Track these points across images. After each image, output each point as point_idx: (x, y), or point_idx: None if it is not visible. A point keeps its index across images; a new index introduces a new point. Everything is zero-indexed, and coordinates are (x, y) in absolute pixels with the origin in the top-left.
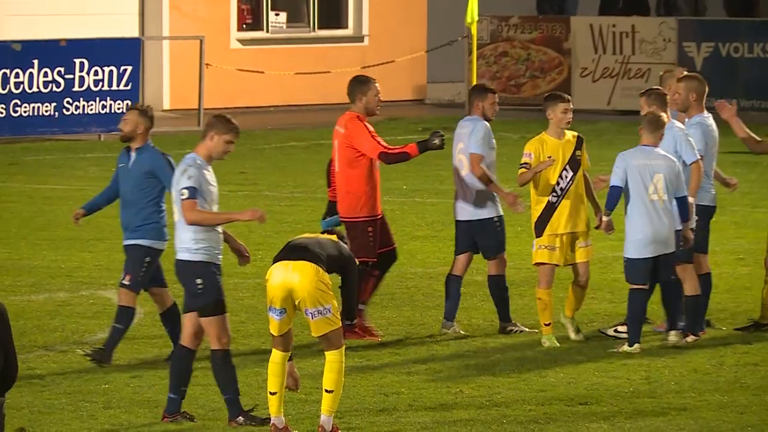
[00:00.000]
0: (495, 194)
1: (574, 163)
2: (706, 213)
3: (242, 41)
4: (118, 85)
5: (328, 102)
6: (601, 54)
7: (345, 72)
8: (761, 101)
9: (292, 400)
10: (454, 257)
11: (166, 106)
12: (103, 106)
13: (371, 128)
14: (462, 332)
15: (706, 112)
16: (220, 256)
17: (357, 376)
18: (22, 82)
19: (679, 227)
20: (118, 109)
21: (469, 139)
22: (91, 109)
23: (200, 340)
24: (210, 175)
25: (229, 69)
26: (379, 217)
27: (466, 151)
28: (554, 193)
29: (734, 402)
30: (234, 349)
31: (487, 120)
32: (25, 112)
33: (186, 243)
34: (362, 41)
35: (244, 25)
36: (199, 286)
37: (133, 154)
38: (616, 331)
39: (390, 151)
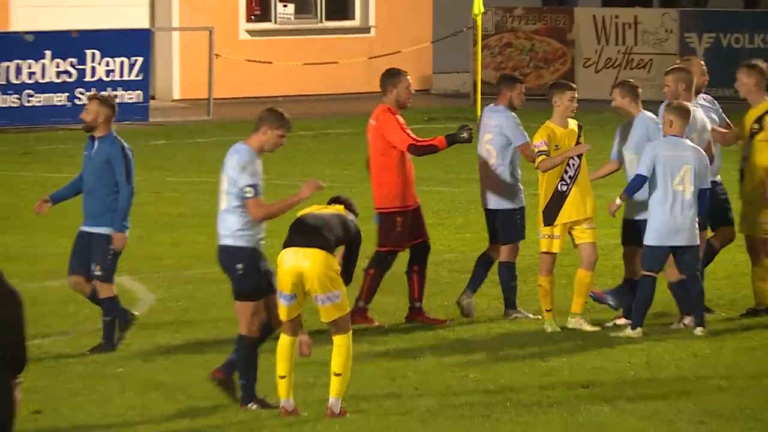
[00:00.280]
0: (519, 186)
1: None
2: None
3: (251, 32)
4: (129, 76)
5: (336, 92)
6: (604, 45)
7: (352, 62)
8: None
9: (301, 385)
10: (489, 244)
11: (176, 96)
12: (115, 97)
13: (402, 120)
14: (531, 315)
15: (694, 101)
16: (262, 242)
17: (364, 360)
18: (35, 73)
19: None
20: (130, 99)
21: (501, 134)
22: None
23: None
24: (260, 166)
25: (238, 60)
26: (411, 208)
27: (497, 143)
28: (563, 182)
29: (733, 385)
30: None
31: (513, 109)
32: (38, 102)
33: (231, 229)
34: (369, 32)
35: (253, 17)
36: (239, 271)
37: (96, 143)
38: (615, 325)
39: (419, 144)
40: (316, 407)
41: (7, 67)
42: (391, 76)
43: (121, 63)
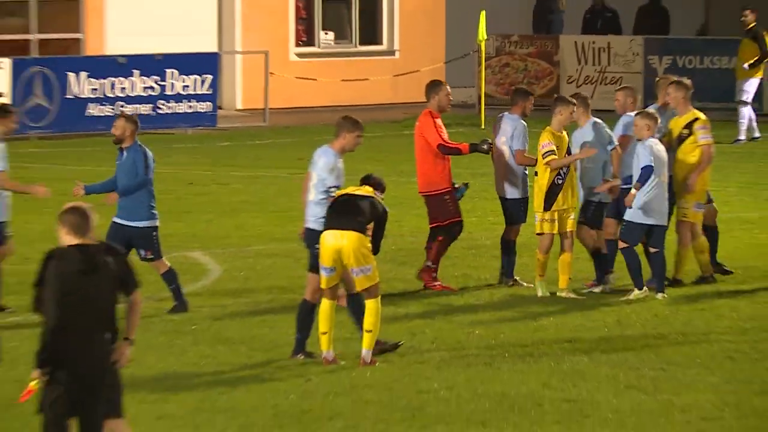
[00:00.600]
0: (526, 179)
1: (569, 151)
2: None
3: (299, 55)
4: (201, 90)
5: (367, 103)
6: (583, 65)
7: (380, 79)
8: (708, 103)
9: (339, 339)
10: (506, 227)
11: (239, 106)
12: (189, 107)
13: (439, 123)
14: (525, 284)
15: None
16: None
17: (390, 320)
18: (125, 88)
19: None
20: (201, 109)
21: (512, 137)
22: (180, 110)
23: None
24: (342, 164)
25: (288, 77)
26: (450, 189)
27: (509, 145)
28: (559, 176)
29: (687, 340)
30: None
31: (524, 116)
32: (128, 111)
33: (316, 216)
34: (394, 55)
35: (300, 42)
36: (317, 249)
37: (124, 153)
38: (591, 292)
39: (446, 144)
40: (352, 357)
41: (104, 83)
42: (434, 85)
43: (195, 80)
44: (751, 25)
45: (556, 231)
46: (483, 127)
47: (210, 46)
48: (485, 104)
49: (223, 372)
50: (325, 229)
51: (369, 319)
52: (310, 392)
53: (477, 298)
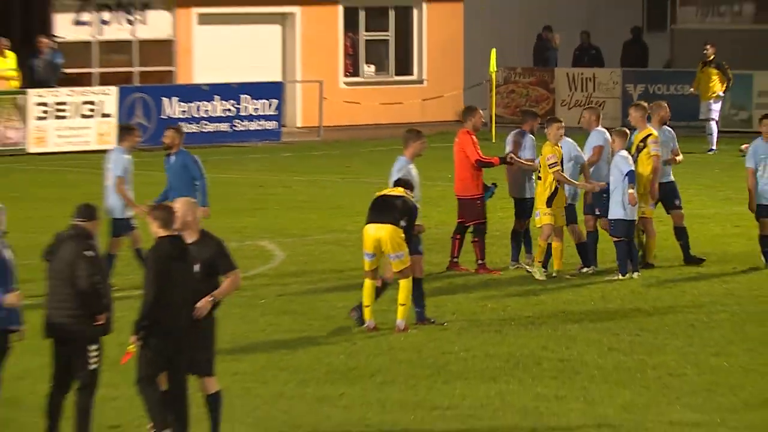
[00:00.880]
0: (533, 183)
1: (563, 162)
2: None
3: (346, 83)
4: (268, 111)
5: (400, 122)
6: (573, 91)
7: (411, 103)
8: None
9: (378, 311)
10: (515, 221)
11: (299, 124)
12: (259, 125)
13: (475, 140)
14: (527, 267)
15: (602, 128)
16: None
17: None
18: (208, 110)
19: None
20: (268, 126)
21: (523, 150)
22: (252, 127)
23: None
24: (414, 169)
25: (338, 101)
26: (481, 194)
27: (520, 155)
28: (558, 182)
29: (657, 311)
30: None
31: (532, 133)
32: (210, 129)
33: None
34: (422, 83)
35: (348, 73)
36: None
37: (172, 158)
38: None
39: (483, 159)
40: (389, 325)
41: (191, 106)
42: (470, 110)
43: (263, 103)
44: (711, 57)
45: (554, 222)
46: (494, 141)
47: (276, 76)
48: (495, 123)
49: (285, 337)
50: (367, 223)
51: (403, 294)
52: (355, 353)
53: (488, 277)
